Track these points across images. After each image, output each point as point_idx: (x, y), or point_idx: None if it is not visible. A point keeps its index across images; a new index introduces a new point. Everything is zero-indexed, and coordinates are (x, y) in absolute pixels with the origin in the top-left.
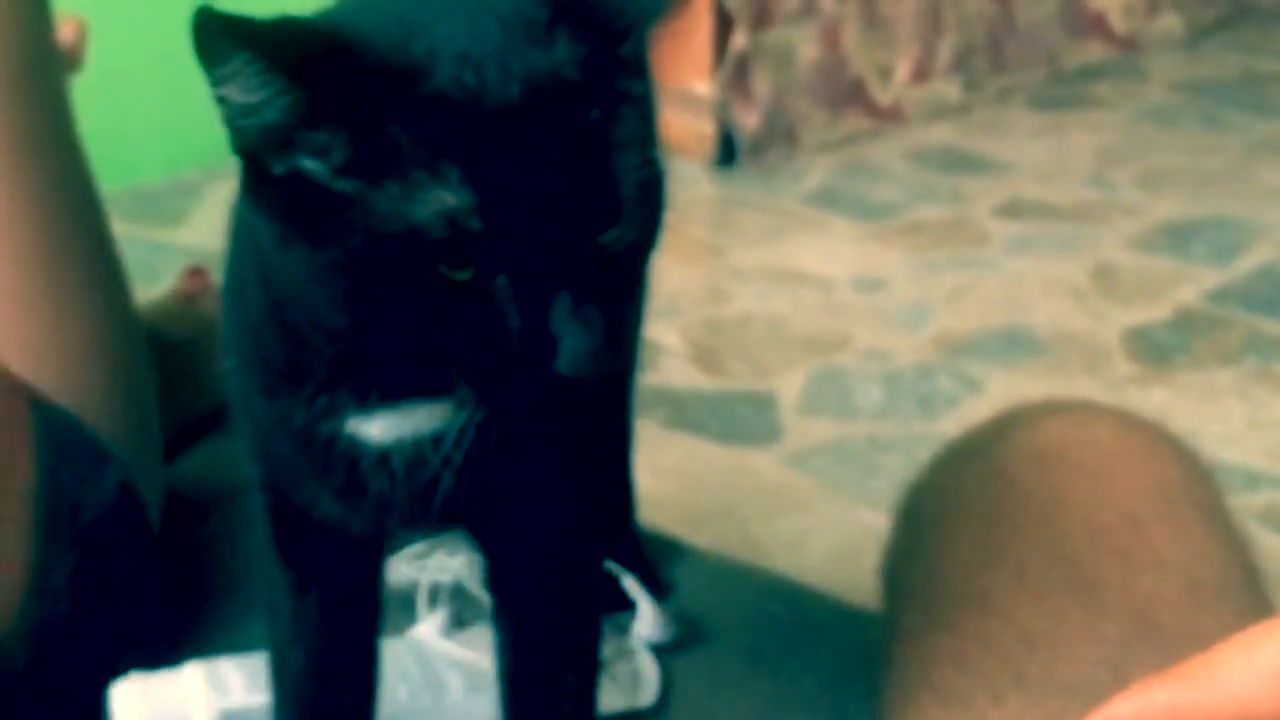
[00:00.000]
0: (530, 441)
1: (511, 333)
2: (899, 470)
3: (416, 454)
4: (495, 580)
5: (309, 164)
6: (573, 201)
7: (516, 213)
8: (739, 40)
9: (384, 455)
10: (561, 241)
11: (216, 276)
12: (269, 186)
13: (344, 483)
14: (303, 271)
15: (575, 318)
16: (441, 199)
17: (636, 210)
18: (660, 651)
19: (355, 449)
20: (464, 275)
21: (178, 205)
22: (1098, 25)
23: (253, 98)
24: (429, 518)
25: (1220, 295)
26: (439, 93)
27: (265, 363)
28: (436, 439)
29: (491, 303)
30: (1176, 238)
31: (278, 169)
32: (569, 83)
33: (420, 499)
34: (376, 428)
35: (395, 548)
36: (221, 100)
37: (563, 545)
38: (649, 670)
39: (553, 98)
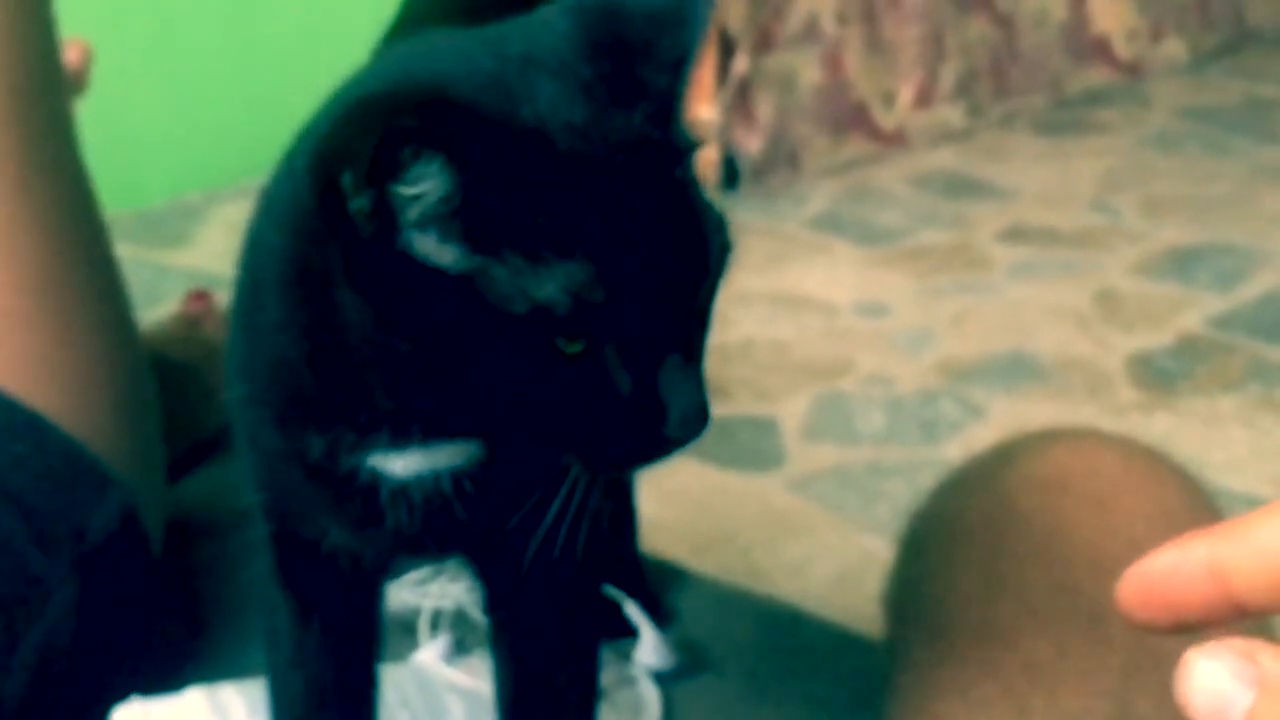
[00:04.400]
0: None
1: (621, 399)
2: (901, 496)
3: (435, 487)
4: (494, 606)
5: (431, 245)
6: (674, 263)
7: (629, 281)
8: (741, 64)
9: (403, 488)
10: (668, 305)
11: (219, 299)
12: (373, 270)
13: (360, 515)
14: (405, 349)
15: (684, 380)
16: (570, 273)
17: (719, 264)
18: (662, 678)
19: (375, 482)
20: (576, 347)
21: (181, 227)
22: (1101, 51)
23: (422, 189)
24: (437, 548)
25: (1223, 322)
26: (560, 162)
27: (286, 399)
28: (454, 473)
29: (600, 371)
30: (1179, 264)
31: (392, 246)
32: (654, 142)
33: (431, 530)
34: (401, 463)
35: (397, 574)
36: (373, 199)
37: (563, 571)
38: (650, 697)
39: (644, 160)
